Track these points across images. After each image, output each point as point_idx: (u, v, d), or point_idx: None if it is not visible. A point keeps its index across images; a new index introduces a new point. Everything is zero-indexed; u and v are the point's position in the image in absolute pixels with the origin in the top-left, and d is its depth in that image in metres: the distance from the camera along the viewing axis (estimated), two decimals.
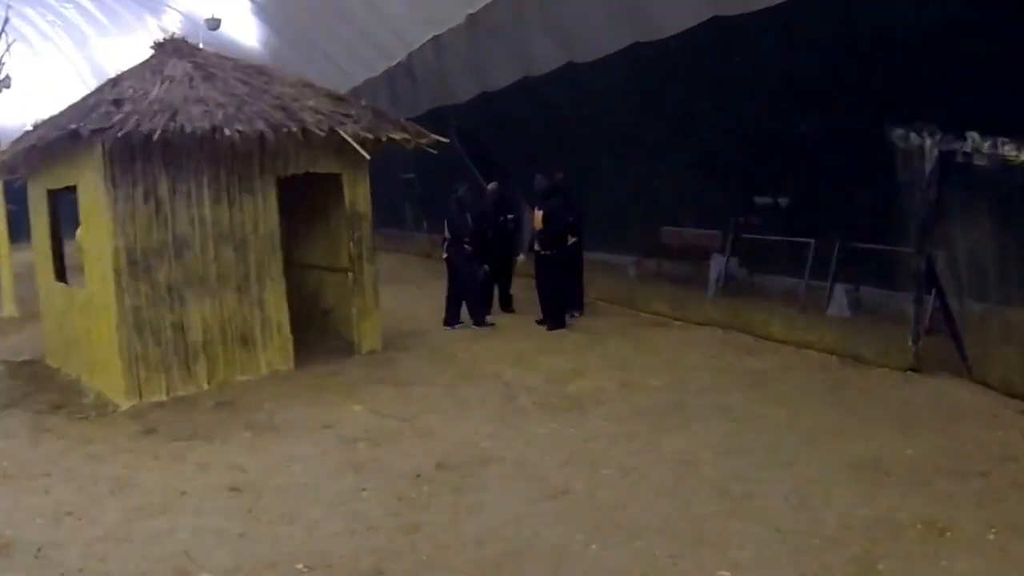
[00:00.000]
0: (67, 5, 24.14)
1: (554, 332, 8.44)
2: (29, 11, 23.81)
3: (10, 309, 11.37)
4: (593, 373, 7.07)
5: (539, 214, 8.58)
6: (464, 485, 4.81)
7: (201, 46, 8.61)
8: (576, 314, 8.98)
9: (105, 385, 7.01)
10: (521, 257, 9.84)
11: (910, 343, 6.65)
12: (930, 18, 6.73)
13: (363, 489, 4.82)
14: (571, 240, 8.78)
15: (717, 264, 9.99)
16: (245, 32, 18.89)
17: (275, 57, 16.44)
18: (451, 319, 8.88)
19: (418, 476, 4.93)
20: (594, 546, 3.99)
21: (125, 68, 7.82)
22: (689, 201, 10.70)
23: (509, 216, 9.33)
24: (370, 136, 7.52)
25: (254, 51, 17.83)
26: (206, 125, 6.60)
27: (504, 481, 4.84)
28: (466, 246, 8.83)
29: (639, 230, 11.31)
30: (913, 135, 6.20)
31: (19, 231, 11.76)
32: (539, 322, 8.73)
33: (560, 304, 8.70)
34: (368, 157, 7.59)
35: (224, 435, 5.84)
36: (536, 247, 8.69)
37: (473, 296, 8.85)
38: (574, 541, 4.04)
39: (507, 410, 6.12)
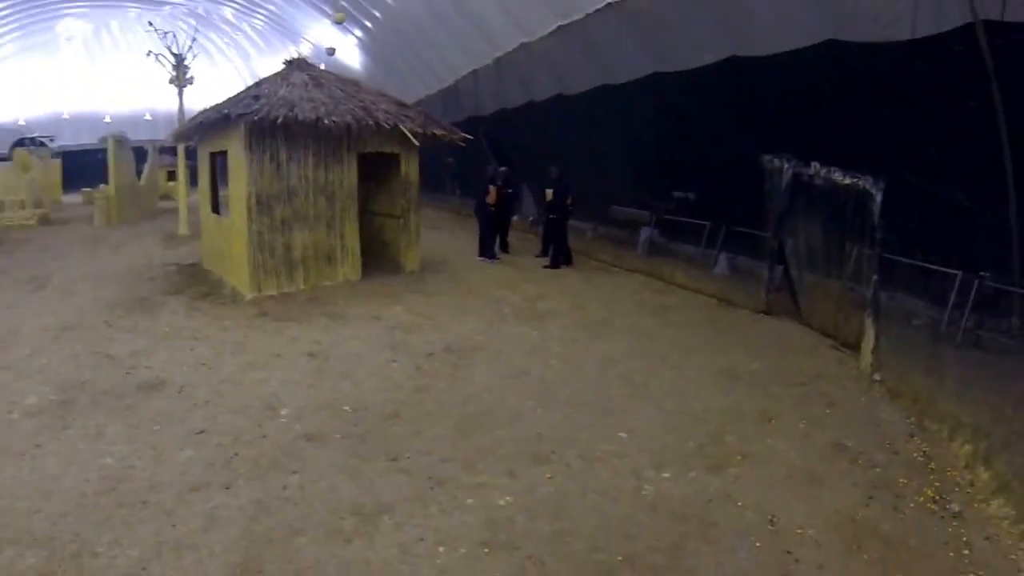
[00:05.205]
0: (237, 33, 29.97)
1: (551, 269, 9.17)
2: (213, 35, 29.91)
3: (184, 229, 13.36)
4: (554, 298, 7.44)
5: (549, 192, 9.70)
6: (460, 363, 5.05)
7: (322, 67, 9.24)
8: (563, 265, 9.70)
9: (238, 282, 7.60)
10: (517, 219, 10.45)
11: (764, 295, 7.12)
12: (792, 85, 7.40)
13: (394, 360, 5.06)
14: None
15: (645, 233, 10.65)
16: (351, 58, 22.85)
17: (368, 74, 19.23)
18: (484, 251, 9.74)
19: (431, 354, 5.22)
20: (539, 410, 4.28)
21: (266, 76, 8.53)
22: (631, 191, 11.59)
23: (510, 191, 10.34)
24: (420, 131, 8.10)
25: (356, 71, 20.71)
26: (312, 116, 7.33)
27: (486, 363, 5.11)
28: (489, 207, 9.86)
29: (597, 207, 12.23)
30: (776, 160, 6.78)
31: (193, 180, 13.99)
32: (543, 259, 9.47)
33: (563, 248, 9.43)
34: (418, 144, 8.26)
35: (310, 320, 6.28)
36: (548, 213, 9.60)
37: (485, 238, 9.88)
38: (526, 406, 4.33)
39: (494, 316, 6.51)
